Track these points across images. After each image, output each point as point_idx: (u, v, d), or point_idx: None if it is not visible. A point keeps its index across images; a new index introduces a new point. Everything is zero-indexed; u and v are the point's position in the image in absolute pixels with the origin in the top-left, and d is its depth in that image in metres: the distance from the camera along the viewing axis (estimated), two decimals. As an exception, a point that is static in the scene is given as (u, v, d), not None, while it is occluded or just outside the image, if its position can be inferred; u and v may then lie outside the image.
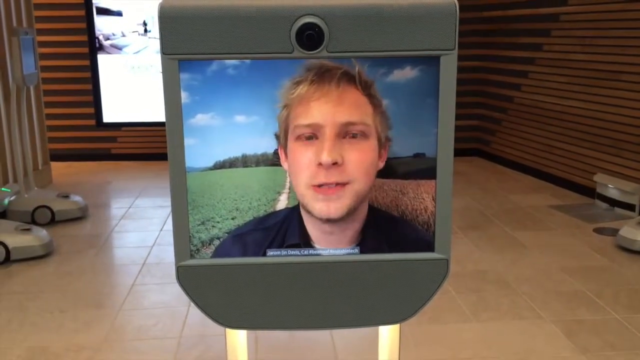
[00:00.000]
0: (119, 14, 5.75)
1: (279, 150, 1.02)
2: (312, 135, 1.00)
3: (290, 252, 1.07)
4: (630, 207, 4.11)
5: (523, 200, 4.56)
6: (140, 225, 4.10)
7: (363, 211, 1.05)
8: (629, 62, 4.07)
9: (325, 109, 0.99)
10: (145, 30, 5.80)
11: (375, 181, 1.04)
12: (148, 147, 6.09)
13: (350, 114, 1.00)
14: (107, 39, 5.79)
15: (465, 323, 2.66)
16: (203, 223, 1.05)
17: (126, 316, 2.76)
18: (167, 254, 3.55)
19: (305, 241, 1.06)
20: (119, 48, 5.81)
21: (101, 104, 5.94)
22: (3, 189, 4.21)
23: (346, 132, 1.00)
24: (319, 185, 1.02)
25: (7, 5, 4.51)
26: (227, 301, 1.08)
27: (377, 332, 1.19)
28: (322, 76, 0.98)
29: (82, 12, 5.75)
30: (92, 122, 6.01)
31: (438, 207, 1.06)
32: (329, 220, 1.04)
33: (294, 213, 1.05)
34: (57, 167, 5.65)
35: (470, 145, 6.18)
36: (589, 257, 3.42)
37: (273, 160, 1.03)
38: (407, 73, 1.00)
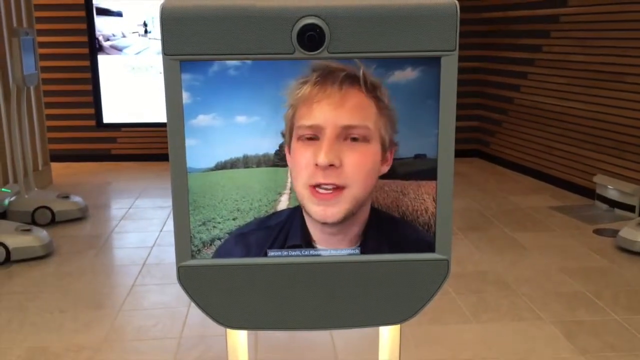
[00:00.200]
0: (119, 14, 5.75)
1: (285, 149, 1.02)
2: (314, 136, 1.01)
3: (292, 252, 1.07)
4: (630, 208, 4.11)
5: (523, 202, 4.57)
6: (140, 226, 4.10)
7: (364, 214, 1.05)
8: (629, 64, 4.08)
9: (326, 111, 0.99)
10: (146, 31, 5.80)
11: (376, 183, 1.04)
12: (148, 147, 6.09)
13: (352, 117, 1.00)
14: (107, 39, 5.79)
15: (465, 324, 2.66)
16: (204, 223, 1.05)
17: (126, 317, 2.77)
18: (167, 254, 3.55)
19: (306, 242, 1.06)
20: (119, 49, 5.81)
21: (101, 104, 5.94)
22: (3, 189, 4.21)
23: (346, 135, 1.01)
24: (316, 186, 1.03)
25: (7, 5, 4.51)
26: (228, 301, 1.08)
27: (377, 332, 1.20)
28: (325, 77, 0.98)
29: (82, 13, 5.75)
30: (92, 122, 6.01)
31: (439, 208, 1.06)
32: (326, 224, 1.05)
33: (296, 213, 1.05)
34: (57, 167, 5.65)
35: (470, 147, 6.18)
36: (589, 258, 3.42)
37: (274, 161, 1.03)
38: (407, 74, 1.00)
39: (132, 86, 5.90)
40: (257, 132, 1.01)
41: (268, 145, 1.02)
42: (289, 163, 1.03)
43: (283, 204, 1.05)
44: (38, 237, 3.47)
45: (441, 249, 1.08)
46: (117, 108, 5.97)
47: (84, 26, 5.78)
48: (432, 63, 1.00)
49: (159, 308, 2.85)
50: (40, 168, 5.04)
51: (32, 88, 4.86)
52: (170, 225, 4.07)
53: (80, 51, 5.84)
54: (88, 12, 5.75)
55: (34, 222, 4.01)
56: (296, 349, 2.48)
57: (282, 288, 1.08)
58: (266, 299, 1.08)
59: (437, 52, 0.99)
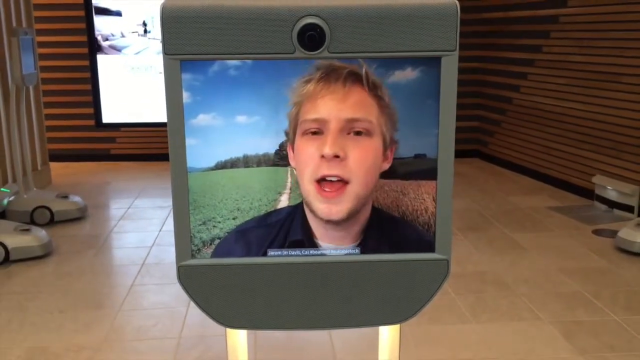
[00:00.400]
0: (119, 14, 5.75)
1: (288, 148, 1.03)
2: (318, 130, 1.01)
3: (291, 252, 1.07)
4: (629, 208, 4.12)
5: (522, 202, 4.57)
6: (140, 226, 4.10)
7: (365, 213, 1.05)
8: (628, 64, 4.08)
9: (330, 105, 1.00)
10: (145, 31, 5.80)
11: (377, 180, 1.04)
12: (147, 147, 6.09)
13: (355, 111, 1.01)
14: (106, 39, 5.78)
15: (464, 324, 2.66)
16: (204, 223, 1.05)
17: (125, 316, 2.76)
18: (166, 254, 3.55)
19: (308, 238, 1.06)
20: (117, 50, 5.81)
21: (100, 104, 5.94)
22: (2, 189, 4.21)
23: (350, 129, 1.01)
24: (321, 181, 1.03)
25: (6, 5, 4.51)
26: (228, 301, 1.08)
27: (376, 331, 1.20)
28: (329, 75, 0.99)
29: (81, 13, 5.75)
30: (92, 122, 6.01)
31: (439, 208, 1.06)
32: (330, 221, 1.05)
33: (297, 210, 1.05)
34: (56, 167, 5.65)
35: (469, 147, 6.19)
36: (588, 258, 3.42)
37: (274, 161, 1.03)
38: (408, 74, 1.01)
39: (131, 86, 5.90)
40: (257, 131, 1.01)
41: (268, 144, 1.02)
42: (292, 161, 1.03)
43: (283, 203, 1.05)
44: (37, 237, 3.46)
45: (441, 249, 1.08)
46: (116, 108, 5.97)
47: (83, 26, 5.77)
48: (433, 63, 1.00)
49: (158, 308, 2.85)
50: (39, 168, 5.04)
51: (31, 88, 4.86)
52: (169, 225, 4.07)
53: (80, 51, 5.84)
54: (87, 12, 5.74)
55: (33, 222, 4.01)
56: (295, 349, 2.48)
57: (282, 288, 1.08)
58: (266, 298, 1.08)
59: (437, 52, 0.99)
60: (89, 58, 5.84)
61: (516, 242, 3.69)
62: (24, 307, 2.85)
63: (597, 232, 3.84)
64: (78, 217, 4.20)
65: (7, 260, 3.36)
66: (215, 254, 1.07)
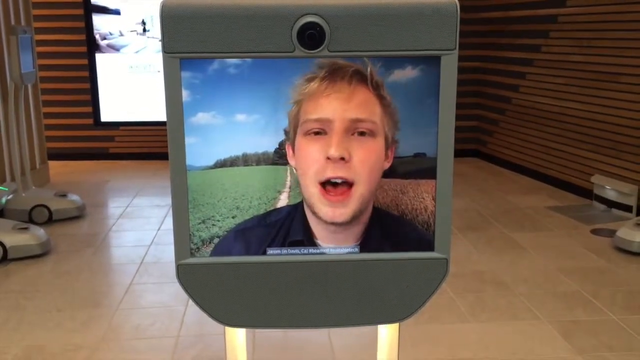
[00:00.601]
0: (117, 12, 5.74)
1: (287, 147, 1.02)
2: (321, 131, 1.00)
3: (291, 250, 1.07)
4: (627, 208, 4.12)
5: (521, 202, 4.57)
6: (138, 225, 4.10)
7: (367, 213, 1.05)
8: (628, 64, 4.08)
9: (335, 104, 0.99)
10: (144, 30, 5.79)
11: (380, 180, 1.04)
12: (146, 146, 6.09)
13: (360, 111, 1.00)
14: (104, 38, 5.78)
15: (463, 323, 2.66)
16: (203, 221, 1.05)
17: (124, 315, 2.76)
18: (165, 253, 3.55)
19: (308, 238, 1.06)
20: (116, 49, 5.80)
21: (99, 103, 5.93)
22: (0, 187, 4.21)
23: (354, 129, 1.01)
24: (325, 184, 1.02)
25: (5, 3, 4.50)
26: (227, 300, 1.08)
27: (374, 330, 1.19)
28: (334, 73, 0.98)
29: (80, 11, 5.74)
30: (90, 121, 6.00)
31: (438, 207, 1.06)
32: (334, 223, 1.05)
33: (297, 210, 1.05)
34: (54, 166, 5.64)
35: (468, 146, 6.19)
36: (586, 258, 3.43)
37: (274, 159, 1.03)
38: (407, 73, 1.00)
39: (130, 85, 5.89)
40: (256, 130, 1.01)
41: (268, 143, 1.02)
42: (292, 161, 1.03)
43: (283, 202, 1.05)
44: (35, 235, 3.46)
45: (440, 248, 1.08)
46: (115, 106, 5.96)
47: (82, 24, 5.77)
48: (432, 62, 1.00)
49: (156, 307, 2.85)
50: (37, 166, 5.03)
51: (29, 86, 4.86)
52: (167, 224, 4.07)
53: (79, 49, 5.83)
54: (86, 10, 5.73)
55: (31, 221, 4.01)
56: (293, 348, 2.48)
57: (281, 286, 1.08)
58: (265, 297, 1.08)
59: (437, 51, 0.99)
60: (87, 57, 5.83)
61: (515, 242, 3.70)
62: (22, 306, 2.84)
63: (595, 232, 3.85)
64: (76, 215, 4.20)
65: (5, 258, 3.36)
66: (214, 253, 1.06)
